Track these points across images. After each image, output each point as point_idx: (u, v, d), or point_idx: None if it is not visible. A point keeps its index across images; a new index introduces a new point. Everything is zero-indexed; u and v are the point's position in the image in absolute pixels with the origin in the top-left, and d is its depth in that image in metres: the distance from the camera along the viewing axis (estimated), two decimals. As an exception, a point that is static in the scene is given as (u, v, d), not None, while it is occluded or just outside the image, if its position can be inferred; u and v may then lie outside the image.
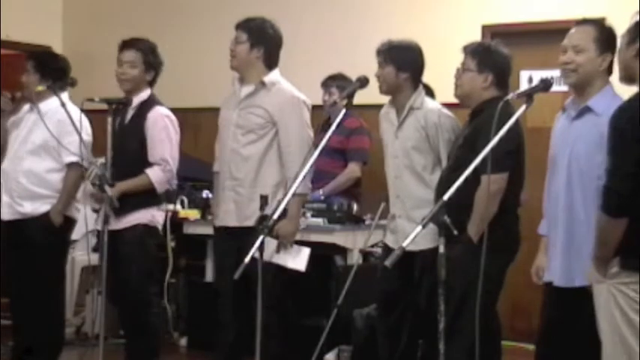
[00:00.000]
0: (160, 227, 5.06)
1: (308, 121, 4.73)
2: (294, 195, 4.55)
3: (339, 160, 6.37)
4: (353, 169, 6.37)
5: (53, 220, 5.07)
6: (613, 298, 3.43)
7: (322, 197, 6.17)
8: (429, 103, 4.65)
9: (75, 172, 5.10)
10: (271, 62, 4.76)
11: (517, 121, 3.41)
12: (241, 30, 4.72)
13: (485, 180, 3.91)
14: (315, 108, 6.55)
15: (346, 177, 6.37)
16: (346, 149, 6.36)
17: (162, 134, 4.90)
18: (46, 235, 5.08)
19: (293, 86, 4.78)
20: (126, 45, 5.01)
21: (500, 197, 4.07)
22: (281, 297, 4.61)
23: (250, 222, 4.62)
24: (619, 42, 3.60)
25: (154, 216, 4.98)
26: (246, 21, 4.76)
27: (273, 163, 4.69)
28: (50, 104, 5.04)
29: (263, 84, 4.70)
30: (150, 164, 4.90)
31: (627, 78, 3.44)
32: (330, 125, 3.72)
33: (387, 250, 4.72)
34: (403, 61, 4.58)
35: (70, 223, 5.19)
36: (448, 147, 4.50)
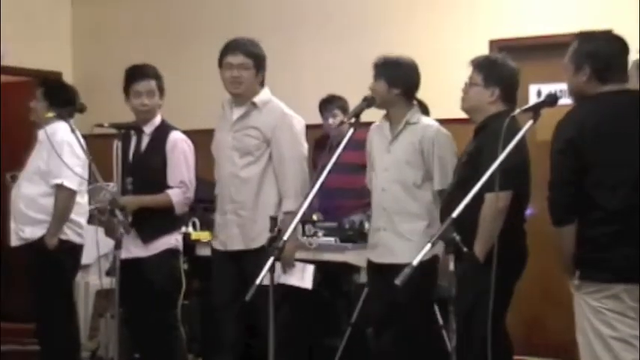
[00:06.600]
0: (181, 250, 5.10)
1: (300, 138, 4.76)
2: (287, 213, 4.61)
3: (361, 174, 6.31)
4: None
5: (47, 243, 5.10)
6: (581, 309, 3.56)
7: None
8: (425, 119, 4.69)
9: (62, 193, 5.12)
10: (263, 83, 4.81)
11: (522, 137, 3.41)
12: (245, 56, 4.72)
13: (489, 198, 3.91)
14: (314, 127, 6.59)
15: None
16: None
17: (181, 158, 4.93)
18: (41, 260, 5.13)
19: (287, 105, 4.82)
20: (139, 74, 4.98)
21: (504, 215, 4.04)
22: (289, 319, 4.61)
23: (255, 244, 4.66)
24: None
25: (178, 240, 5.02)
26: (247, 46, 4.76)
27: (272, 183, 4.72)
28: (47, 131, 5.08)
29: (254, 105, 4.73)
30: (170, 188, 4.92)
31: None
32: (337, 145, 3.69)
33: (371, 267, 4.72)
34: (395, 77, 4.60)
35: (66, 246, 5.18)
36: (440, 164, 4.52)
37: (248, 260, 4.65)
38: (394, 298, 4.38)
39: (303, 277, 4.56)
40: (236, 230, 4.74)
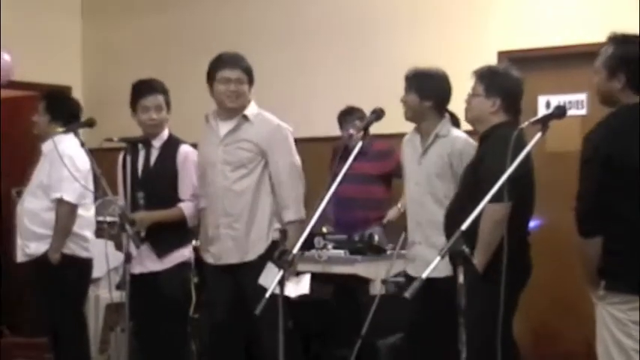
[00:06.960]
0: (192, 262, 5.13)
1: (294, 148, 4.79)
2: (288, 223, 4.61)
3: (379, 185, 6.30)
4: None
5: (50, 258, 5.10)
6: (603, 319, 3.54)
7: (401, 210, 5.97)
8: (455, 131, 4.65)
9: (63, 207, 5.11)
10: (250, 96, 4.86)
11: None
12: (242, 71, 4.78)
13: (488, 209, 3.87)
14: (332, 139, 6.61)
15: None
16: (394, 170, 6.14)
17: (192, 171, 4.95)
18: (47, 275, 5.13)
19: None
20: (147, 89, 5.00)
21: (503, 226, 3.98)
22: (288, 329, 4.61)
23: (249, 257, 4.69)
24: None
25: (190, 252, 5.07)
26: (242, 61, 4.82)
27: (267, 194, 4.75)
28: (49, 145, 5.10)
29: (245, 117, 4.76)
30: (181, 201, 4.94)
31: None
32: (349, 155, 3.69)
33: (409, 279, 4.70)
34: (427, 89, 4.58)
35: (71, 260, 5.17)
36: None
37: (243, 273, 4.67)
38: (429, 312, 4.37)
39: (299, 285, 4.57)
40: (230, 244, 4.76)
